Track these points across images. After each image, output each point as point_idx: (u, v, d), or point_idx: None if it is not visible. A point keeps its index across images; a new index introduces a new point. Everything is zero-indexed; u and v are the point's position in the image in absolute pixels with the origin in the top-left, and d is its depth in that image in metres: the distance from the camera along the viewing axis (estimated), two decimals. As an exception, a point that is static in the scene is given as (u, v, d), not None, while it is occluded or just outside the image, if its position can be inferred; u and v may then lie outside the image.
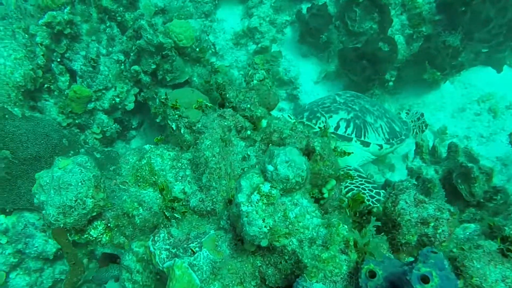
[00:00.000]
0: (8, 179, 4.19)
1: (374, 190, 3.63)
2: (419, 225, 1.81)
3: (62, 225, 2.11)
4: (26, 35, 4.76)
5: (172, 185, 2.40)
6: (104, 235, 2.31)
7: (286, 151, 1.73)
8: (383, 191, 3.67)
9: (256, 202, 1.65)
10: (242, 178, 1.73)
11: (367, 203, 3.45)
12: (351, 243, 1.62)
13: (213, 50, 6.49)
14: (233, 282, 1.78)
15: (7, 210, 4.35)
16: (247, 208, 1.65)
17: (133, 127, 5.98)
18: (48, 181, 2.16)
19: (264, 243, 1.68)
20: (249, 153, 2.55)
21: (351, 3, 5.96)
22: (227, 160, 2.41)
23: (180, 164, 2.47)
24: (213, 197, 2.24)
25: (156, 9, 5.74)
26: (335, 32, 6.28)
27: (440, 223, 1.79)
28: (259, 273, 1.87)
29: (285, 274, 1.83)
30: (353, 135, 4.28)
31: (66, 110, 4.88)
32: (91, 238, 2.29)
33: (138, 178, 2.43)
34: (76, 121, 5.04)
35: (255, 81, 3.13)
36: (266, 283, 1.88)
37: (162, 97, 2.56)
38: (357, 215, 2.07)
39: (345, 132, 4.28)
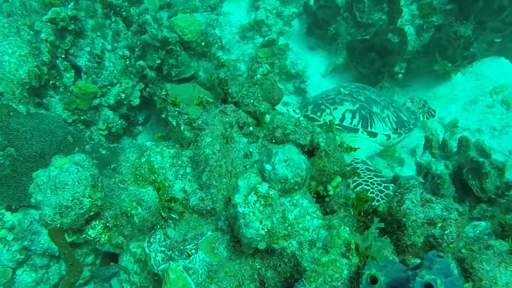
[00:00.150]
0: (14, 176, 4.19)
1: (383, 184, 3.53)
2: (425, 225, 1.72)
3: (58, 226, 2.07)
4: (31, 32, 4.74)
5: (172, 183, 2.35)
6: (103, 235, 2.26)
7: (284, 149, 1.65)
8: (392, 185, 3.57)
9: (253, 203, 1.58)
10: (240, 178, 1.67)
11: (376, 198, 3.37)
12: (353, 246, 1.54)
13: (220, 44, 6.41)
14: (231, 285, 1.72)
15: (13, 208, 4.35)
16: (244, 209, 1.58)
17: (139, 122, 5.95)
18: (45, 180, 2.12)
19: (261, 246, 1.61)
20: (251, 150, 2.49)
21: (359, -6, 5.84)
22: (228, 157, 2.34)
23: (180, 162, 2.41)
24: (213, 196, 2.18)
25: (161, 3, 5.68)
26: (343, 23, 6.16)
27: (447, 223, 1.70)
28: (258, 275, 1.80)
29: (284, 277, 1.76)
30: (359, 126, 4.18)
31: (71, 106, 4.86)
32: (89, 238, 2.24)
33: (138, 176, 2.38)
34: (82, 118, 5.02)
35: (258, 76, 3.06)
36: (266, 286, 1.81)
37: (163, 93, 2.50)
38: (362, 214, 2.00)
39: (351, 123, 4.18)
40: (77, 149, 4.62)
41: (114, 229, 2.23)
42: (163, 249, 1.78)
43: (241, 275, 1.77)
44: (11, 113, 4.20)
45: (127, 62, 5.18)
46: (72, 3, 4.66)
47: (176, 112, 2.37)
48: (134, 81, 5.29)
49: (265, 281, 1.80)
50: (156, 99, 5.31)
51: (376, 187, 3.50)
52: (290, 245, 1.68)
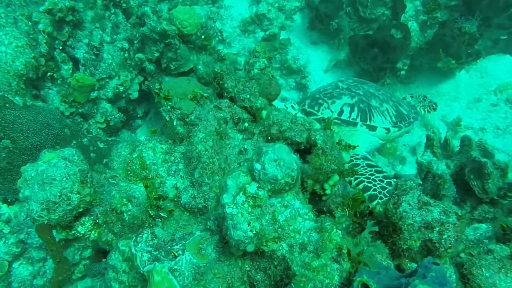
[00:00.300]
0: (10, 168, 4.14)
1: (385, 180, 3.46)
2: (422, 229, 1.65)
3: (46, 222, 2.01)
4: (29, 23, 4.67)
5: (164, 180, 2.29)
6: (93, 232, 2.21)
7: (275, 148, 1.58)
8: (395, 180, 3.51)
9: (242, 204, 1.51)
10: (229, 177, 1.60)
11: (379, 195, 3.30)
12: (345, 250, 1.48)
13: (220, 37, 6.33)
14: (220, 287, 1.66)
15: (9, 200, 4.31)
16: (232, 210, 1.52)
17: (138, 116, 5.89)
18: (33, 175, 2.06)
19: (250, 248, 1.55)
20: (246, 146, 2.43)
21: (363, -12, 5.74)
22: (222, 154, 2.28)
23: (173, 158, 2.35)
24: (205, 193, 2.12)
25: (162, -5, 5.60)
26: (346, 18, 6.07)
27: (445, 228, 1.63)
28: (248, 278, 1.74)
29: (275, 280, 1.70)
30: (358, 120, 4.11)
31: (68, 99, 4.80)
32: (78, 234, 2.19)
33: (129, 172, 2.32)
34: (79, 110, 4.96)
35: (255, 70, 2.99)
36: (256, 288, 1.75)
37: (156, 87, 2.43)
38: (358, 215, 1.93)
39: (350, 116, 4.11)
40: (74, 142, 4.57)
41: (104, 226, 2.17)
42: (149, 249, 1.72)
43: (230, 277, 1.71)
44: (7, 105, 4.15)
45: (126, 55, 5.11)
46: (70, -6, 4.59)
47: (168, 107, 2.31)
48: (133, 74, 5.23)
49: (255, 284, 1.74)
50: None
51: (378, 183, 3.43)
52: (280, 248, 1.62)
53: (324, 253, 1.49)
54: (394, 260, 1.72)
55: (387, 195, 3.30)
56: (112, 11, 5.27)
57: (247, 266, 1.74)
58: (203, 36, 5.17)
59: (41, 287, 4.56)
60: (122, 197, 2.15)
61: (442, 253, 1.65)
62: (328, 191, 2.54)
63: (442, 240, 1.64)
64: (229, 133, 2.43)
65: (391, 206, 1.74)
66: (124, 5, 5.24)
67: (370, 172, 3.56)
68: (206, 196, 2.12)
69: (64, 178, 2.00)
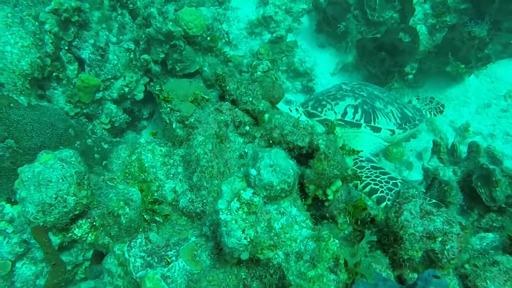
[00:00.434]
0: (13, 168, 4.13)
1: (391, 182, 3.41)
2: (424, 239, 1.59)
3: (41, 224, 1.98)
4: (36, 23, 4.68)
5: (163, 183, 2.25)
6: (90, 234, 2.17)
7: (271, 153, 1.53)
8: (400, 180, 3.47)
9: (236, 211, 1.47)
10: (224, 182, 1.56)
11: (387, 196, 3.26)
12: (341, 261, 1.42)
13: (227, 39, 6.30)
14: (215, 295, 1.62)
15: (13, 200, 4.30)
16: (226, 216, 1.47)
17: (144, 117, 5.87)
18: (29, 176, 2.03)
19: (244, 256, 1.50)
20: (247, 150, 2.38)
21: (371, -10, 5.69)
22: (221, 158, 2.24)
23: (172, 160, 2.31)
24: (204, 198, 2.08)
25: (168, -4, 5.58)
26: (354, 21, 6.01)
27: (448, 238, 1.57)
28: (244, 286, 1.70)
29: (271, 289, 1.65)
30: (362, 121, 4.05)
31: (73, 99, 4.80)
32: (75, 237, 2.16)
33: (127, 174, 2.29)
34: (84, 111, 4.96)
35: (258, 73, 2.95)
36: (251, 297, 1.70)
37: (157, 88, 2.40)
38: (359, 223, 1.88)
39: (353, 118, 4.05)
40: (78, 142, 4.56)
41: (101, 229, 2.14)
42: (143, 254, 1.69)
43: (225, 285, 1.66)
44: (11, 105, 4.15)
45: (132, 56, 5.10)
46: (76, -6, 4.59)
47: (168, 109, 2.27)
48: (139, 75, 5.22)
49: (250, 292, 1.70)
50: (158, 94, 5.22)
51: (385, 185, 3.39)
52: (276, 256, 1.57)
53: (321, 263, 1.44)
54: (395, 271, 1.67)
55: (394, 196, 3.25)
56: (119, 12, 5.27)
57: (243, 273, 1.69)
58: (209, 38, 5.14)
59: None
60: (119, 200, 2.12)
61: (445, 264, 1.59)
62: (330, 197, 2.49)
63: (445, 251, 1.58)
64: (230, 137, 2.39)
65: (393, 214, 1.68)
66: (131, 6, 5.24)
67: (375, 174, 3.51)
68: (204, 201, 2.08)
69: (60, 180, 1.97)
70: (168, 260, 1.63)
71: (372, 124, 4.07)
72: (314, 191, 2.44)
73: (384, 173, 3.53)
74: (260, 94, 2.66)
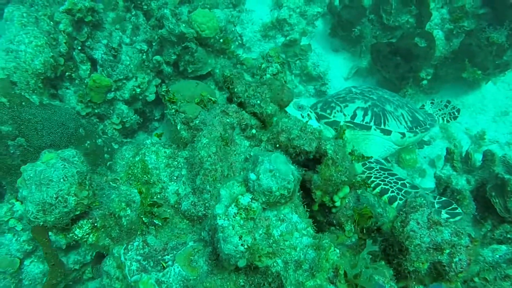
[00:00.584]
0: (23, 166, 4.15)
1: (400, 182, 3.37)
2: (431, 251, 1.52)
3: (42, 223, 1.96)
4: (51, 23, 4.72)
5: (166, 185, 2.22)
6: (91, 235, 2.14)
7: (271, 158, 1.48)
8: (407, 181, 3.42)
9: (233, 216, 1.42)
10: (222, 186, 1.51)
11: (398, 196, 3.23)
12: (341, 271, 1.36)
13: (240, 41, 6.27)
14: (211, 302, 1.57)
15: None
16: (223, 222, 1.42)
17: (155, 118, 5.87)
18: (31, 175, 2.02)
19: (241, 263, 1.45)
20: (252, 153, 2.33)
21: (387, -5, 5.60)
22: (226, 161, 2.19)
23: (176, 162, 2.27)
24: (206, 201, 2.03)
25: (182, -3, 5.58)
26: (369, 25, 5.93)
27: (457, 250, 1.49)
28: (242, 293, 1.65)
29: (269, 298, 1.59)
30: (372, 123, 3.98)
31: (85, 99, 4.82)
32: (76, 237, 2.13)
33: (130, 176, 2.25)
34: (96, 111, 4.97)
35: (268, 75, 2.90)
36: (250, 306, 1.65)
37: (163, 89, 2.37)
38: (365, 231, 1.81)
39: (363, 120, 3.98)
40: (88, 142, 4.56)
41: (102, 230, 2.11)
42: (139, 258, 1.65)
43: (223, 292, 1.62)
44: (23, 103, 4.17)
45: (144, 57, 5.11)
46: (90, -5, 4.62)
47: (173, 110, 2.24)
48: (151, 76, 5.21)
49: (249, 300, 1.64)
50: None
51: (394, 185, 3.35)
52: (275, 264, 1.51)
53: (320, 273, 1.38)
54: (399, 282, 1.59)
55: (405, 196, 3.23)
56: (133, 13, 5.28)
57: (241, 281, 1.63)
58: (221, 40, 5.12)
59: (51, 285, 4.56)
60: (121, 201, 2.09)
61: (453, 278, 1.51)
62: (337, 204, 2.43)
63: (453, 264, 1.50)
64: (236, 140, 2.35)
65: (398, 224, 1.61)
66: (145, 7, 5.25)
67: (384, 175, 3.47)
68: (207, 204, 2.03)
69: (61, 180, 1.95)
70: (164, 265, 1.58)
71: (382, 126, 3.99)
72: (321, 197, 2.38)
73: (392, 174, 3.50)
74: (268, 97, 2.61)
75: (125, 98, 5.09)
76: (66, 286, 4.71)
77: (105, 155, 4.77)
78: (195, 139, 2.21)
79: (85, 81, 4.79)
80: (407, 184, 3.35)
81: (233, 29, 6.07)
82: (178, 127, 2.25)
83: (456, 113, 4.99)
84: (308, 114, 3.68)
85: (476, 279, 1.67)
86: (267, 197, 1.50)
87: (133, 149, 2.41)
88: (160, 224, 1.80)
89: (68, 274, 4.74)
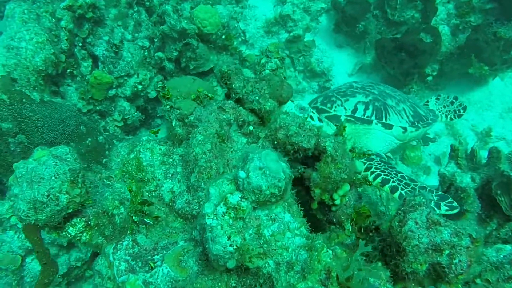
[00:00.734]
0: (24, 164, 4.13)
1: (399, 174, 3.35)
2: (430, 252, 1.46)
3: (33, 222, 1.93)
4: (53, 19, 4.69)
5: (161, 183, 2.18)
6: (84, 234, 2.10)
7: (261, 155, 1.42)
8: (405, 174, 3.39)
9: (222, 216, 1.37)
10: (212, 185, 1.46)
11: (399, 186, 3.21)
12: (334, 273, 1.31)
13: (243, 38, 6.21)
14: (202, 303, 1.52)
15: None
16: (212, 221, 1.37)
17: (158, 115, 5.83)
18: (23, 172, 1.98)
19: (230, 264, 1.40)
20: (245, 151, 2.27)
21: (392, -11, 5.51)
22: (222, 158, 2.14)
23: (171, 160, 2.23)
24: (201, 199, 1.99)
25: (184, -7, 5.53)
26: (373, 21, 5.85)
27: (457, 251, 1.43)
28: (234, 295, 1.60)
29: (261, 299, 1.54)
30: (373, 117, 3.91)
31: (86, 96, 4.79)
32: (69, 236, 2.10)
33: (124, 173, 2.21)
34: (97, 108, 4.94)
35: (267, 71, 2.84)
36: (242, 307, 1.60)
37: (159, 85, 2.33)
38: (362, 231, 1.75)
39: (364, 114, 3.92)
40: (89, 139, 4.54)
41: (96, 228, 2.07)
42: (127, 257, 1.60)
43: (214, 293, 1.57)
44: (23, 100, 4.15)
45: (146, 53, 5.07)
46: (91, -9, 4.58)
47: (168, 106, 2.19)
48: (152, 73, 5.18)
49: (241, 302, 1.59)
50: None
51: (394, 176, 3.32)
52: (266, 265, 1.46)
53: (311, 275, 1.33)
54: (397, 284, 1.53)
55: (406, 186, 3.21)
56: (135, 9, 5.24)
57: (233, 281, 1.58)
58: (224, 36, 5.07)
59: (53, 283, 4.55)
60: (114, 199, 2.05)
61: (452, 279, 1.45)
62: (337, 202, 2.37)
63: (452, 265, 1.44)
64: (233, 136, 2.30)
65: (396, 223, 1.55)
66: (148, 3, 5.21)
67: (384, 167, 3.43)
68: (201, 202, 1.98)
69: (53, 177, 1.91)
70: (152, 265, 1.54)
71: (384, 121, 3.93)
72: (320, 195, 2.34)
73: (392, 167, 3.46)
74: (267, 93, 2.56)
75: (126, 95, 5.05)
76: (69, 283, 4.71)
77: (106, 152, 4.74)
78: (190, 136, 2.17)
79: (87, 78, 4.76)
80: (406, 177, 3.33)
81: (236, 25, 6.02)
82: (173, 124, 2.21)
83: (461, 111, 4.86)
84: (311, 116, 3.62)
85: (478, 281, 1.61)
86: (256, 196, 1.45)
87: (129, 146, 2.37)
88: (151, 223, 1.76)
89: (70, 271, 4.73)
